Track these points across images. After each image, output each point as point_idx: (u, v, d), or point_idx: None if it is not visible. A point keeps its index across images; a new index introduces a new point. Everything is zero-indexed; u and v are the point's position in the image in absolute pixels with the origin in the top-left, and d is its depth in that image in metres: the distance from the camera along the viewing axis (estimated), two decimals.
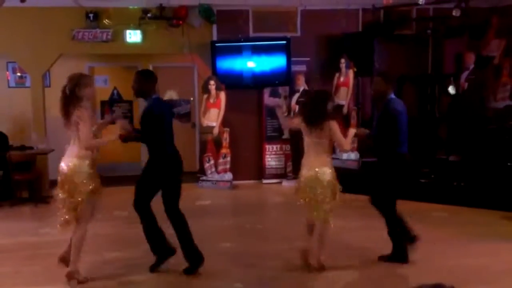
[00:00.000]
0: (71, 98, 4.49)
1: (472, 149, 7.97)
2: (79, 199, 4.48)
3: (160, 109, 4.84)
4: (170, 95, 9.42)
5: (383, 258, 5.07)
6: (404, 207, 7.10)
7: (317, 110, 4.74)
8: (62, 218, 4.54)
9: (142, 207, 4.83)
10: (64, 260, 4.70)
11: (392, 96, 5.00)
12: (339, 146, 4.76)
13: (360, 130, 5.40)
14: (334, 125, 4.73)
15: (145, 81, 4.87)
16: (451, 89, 8.12)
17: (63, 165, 4.53)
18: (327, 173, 4.72)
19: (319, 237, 4.79)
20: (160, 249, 4.90)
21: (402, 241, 5.00)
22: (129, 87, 9.39)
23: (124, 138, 4.83)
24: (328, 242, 4.94)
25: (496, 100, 8.37)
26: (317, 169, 4.71)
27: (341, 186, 4.80)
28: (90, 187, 4.52)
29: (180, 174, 4.91)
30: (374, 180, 5.24)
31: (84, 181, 4.49)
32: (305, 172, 4.80)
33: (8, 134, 8.67)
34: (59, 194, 4.52)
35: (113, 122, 5.10)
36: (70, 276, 4.57)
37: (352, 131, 5.03)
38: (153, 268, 4.89)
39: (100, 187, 4.66)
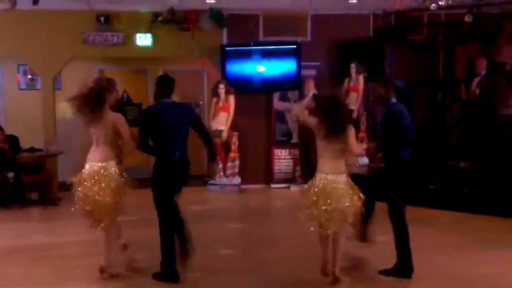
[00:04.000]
0: (99, 101, 4.57)
1: (483, 155, 7.89)
2: (107, 199, 4.57)
3: None
4: None
5: (385, 272, 4.83)
6: (413, 213, 7.01)
7: (340, 117, 4.55)
8: (92, 220, 4.67)
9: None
10: (103, 270, 4.80)
11: (394, 100, 4.86)
12: (351, 150, 4.66)
13: (370, 146, 5.13)
14: (351, 129, 4.62)
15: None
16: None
17: (90, 166, 4.62)
18: (342, 180, 4.55)
19: (338, 248, 4.65)
20: None
21: (408, 253, 4.74)
22: (139, 90, 9.33)
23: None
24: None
25: (508, 106, 8.26)
26: (331, 177, 4.52)
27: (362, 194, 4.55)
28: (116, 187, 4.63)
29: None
30: (382, 188, 4.97)
31: (112, 183, 4.59)
32: (318, 181, 4.56)
33: (18, 136, 8.72)
34: (85, 195, 4.60)
35: None
36: (102, 270, 4.75)
37: (364, 145, 4.99)
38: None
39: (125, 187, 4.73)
